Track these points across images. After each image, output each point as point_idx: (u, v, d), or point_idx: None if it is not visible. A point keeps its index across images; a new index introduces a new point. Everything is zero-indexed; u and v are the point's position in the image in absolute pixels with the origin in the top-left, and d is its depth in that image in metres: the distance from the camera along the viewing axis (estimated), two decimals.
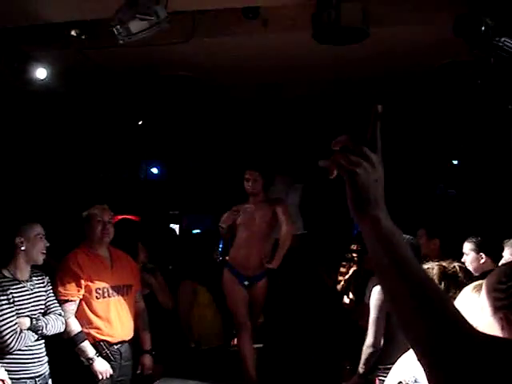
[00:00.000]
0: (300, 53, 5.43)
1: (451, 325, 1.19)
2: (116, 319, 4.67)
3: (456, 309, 1.23)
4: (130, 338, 4.80)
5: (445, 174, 9.06)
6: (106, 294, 4.64)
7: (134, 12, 3.65)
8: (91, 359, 4.43)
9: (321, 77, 6.24)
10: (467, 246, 4.96)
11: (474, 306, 2.72)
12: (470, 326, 1.22)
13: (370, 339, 4.16)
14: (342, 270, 6.85)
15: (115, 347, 4.63)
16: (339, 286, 6.71)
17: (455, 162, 9.02)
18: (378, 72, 6.08)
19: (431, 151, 8.52)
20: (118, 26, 3.77)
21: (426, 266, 3.35)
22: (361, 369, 4.24)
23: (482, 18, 4.45)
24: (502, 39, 4.48)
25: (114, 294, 4.69)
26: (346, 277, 6.77)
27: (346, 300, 6.51)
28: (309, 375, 4.86)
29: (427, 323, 1.19)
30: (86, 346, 4.45)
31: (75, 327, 4.43)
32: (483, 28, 4.43)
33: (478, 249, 4.92)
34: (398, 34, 5.07)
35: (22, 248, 4.12)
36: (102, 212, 4.73)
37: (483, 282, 2.82)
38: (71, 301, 4.48)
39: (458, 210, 8.13)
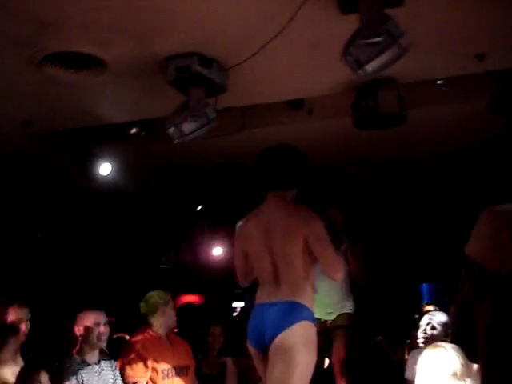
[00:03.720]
0: (344, 136, 5.70)
1: None
2: None
3: None
4: None
5: None
6: (170, 375, 4.79)
7: (186, 115, 4.02)
8: None
9: (366, 157, 6.49)
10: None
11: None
12: None
13: None
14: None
15: None
16: None
17: None
18: (422, 150, 6.29)
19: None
20: (172, 128, 4.13)
21: None
22: None
23: None
24: None
25: (177, 374, 4.85)
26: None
27: None
28: None
29: None
30: None
31: None
32: None
33: None
34: (436, 113, 5.29)
35: (80, 336, 4.40)
36: (164, 296, 5.00)
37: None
38: (139, 382, 4.65)
39: None
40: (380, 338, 7.24)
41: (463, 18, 3.76)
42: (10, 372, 3.51)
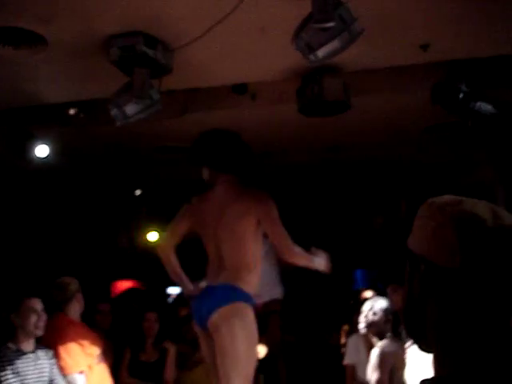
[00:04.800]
0: (288, 123, 5.69)
1: None
2: None
3: None
4: None
5: None
6: (101, 360, 4.73)
7: (130, 96, 3.91)
8: None
9: (310, 144, 6.51)
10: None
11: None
12: None
13: None
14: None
15: None
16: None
17: None
18: (364, 138, 6.34)
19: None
20: (115, 110, 4.02)
21: None
22: None
23: (459, 86, 4.71)
24: (478, 103, 4.73)
25: (102, 359, 4.78)
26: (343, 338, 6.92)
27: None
28: None
29: None
30: None
31: None
32: (461, 95, 4.69)
33: None
34: (380, 102, 5.34)
35: (17, 323, 4.23)
36: (73, 281, 4.86)
37: None
38: (82, 372, 4.53)
39: None
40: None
41: (409, 8, 3.79)
42: None
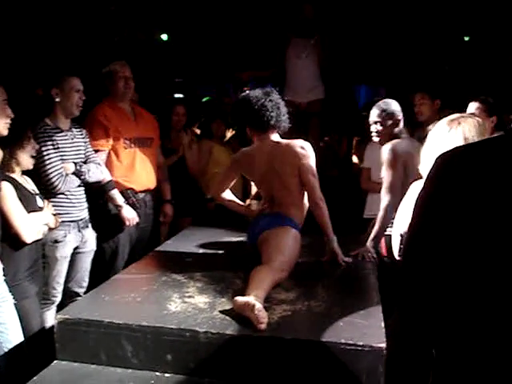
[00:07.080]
0: None
1: None
2: (141, 168, 4.93)
3: None
4: (153, 187, 5.09)
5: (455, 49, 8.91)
6: (132, 145, 4.86)
7: None
8: (120, 206, 4.69)
9: None
10: (475, 106, 4.55)
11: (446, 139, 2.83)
12: None
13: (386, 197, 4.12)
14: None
15: (140, 196, 4.91)
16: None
17: (466, 39, 8.89)
18: None
19: (442, 27, 8.36)
20: None
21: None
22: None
23: None
24: None
25: (139, 144, 4.92)
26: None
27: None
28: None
29: None
30: (116, 194, 4.68)
31: (106, 176, 4.62)
32: None
33: (490, 110, 4.52)
34: None
35: (57, 100, 4.23)
36: (122, 67, 4.86)
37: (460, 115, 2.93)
38: (101, 150, 4.69)
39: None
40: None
41: None
42: (2, 124, 3.40)
